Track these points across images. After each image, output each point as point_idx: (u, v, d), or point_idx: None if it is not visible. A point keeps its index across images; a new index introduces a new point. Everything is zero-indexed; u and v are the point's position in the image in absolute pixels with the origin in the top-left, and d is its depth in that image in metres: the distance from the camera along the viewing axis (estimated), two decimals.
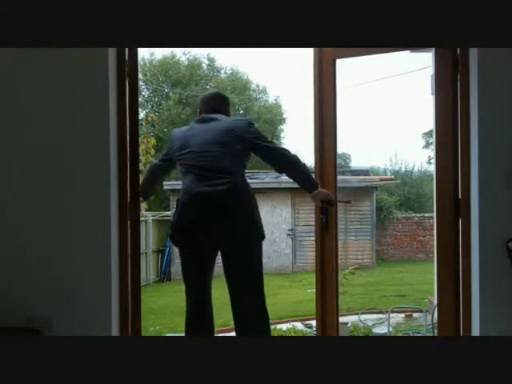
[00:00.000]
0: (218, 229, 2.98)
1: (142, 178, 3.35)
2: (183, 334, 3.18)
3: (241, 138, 3.08)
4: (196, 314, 3.08)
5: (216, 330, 7.27)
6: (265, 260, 3.23)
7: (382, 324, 7.06)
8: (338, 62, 3.32)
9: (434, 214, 3.48)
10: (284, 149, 3.15)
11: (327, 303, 3.37)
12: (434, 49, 3.21)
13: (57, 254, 2.97)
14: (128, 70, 3.10)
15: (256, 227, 3.04)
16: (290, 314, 7.99)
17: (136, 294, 3.14)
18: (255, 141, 3.10)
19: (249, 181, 3.19)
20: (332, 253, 3.35)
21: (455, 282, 3.06)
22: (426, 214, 13.73)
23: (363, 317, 7.35)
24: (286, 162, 3.09)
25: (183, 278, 3.14)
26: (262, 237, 3.08)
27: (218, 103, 3.31)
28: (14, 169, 2.98)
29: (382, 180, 14.30)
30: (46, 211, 2.97)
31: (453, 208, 3.06)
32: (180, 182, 3.27)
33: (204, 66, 19.37)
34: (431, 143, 14.18)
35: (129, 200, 3.11)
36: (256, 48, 3.22)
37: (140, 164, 3.63)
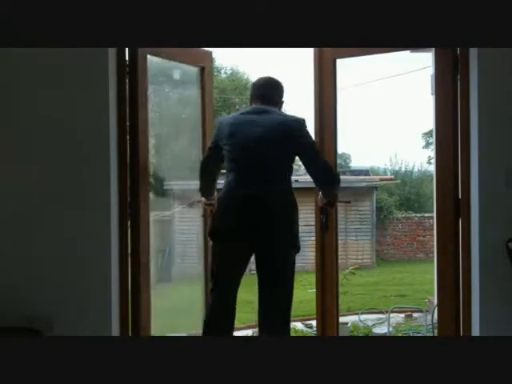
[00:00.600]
0: (257, 235, 2.85)
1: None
2: (183, 334, 3.18)
3: (290, 140, 2.88)
4: (218, 315, 2.97)
5: None
6: None
7: (382, 324, 7.06)
8: (339, 61, 3.32)
9: (434, 214, 3.48)
10: (330, 168, 2.97)
11: (327, 303, 3.36)
12: (433, 49, 3.21)
13: (57, 253, 2.97)
14: (128, 69, 3.10)
15: (294, 239, 2.92)
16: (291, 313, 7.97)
17: (137, 293, 3.14)
18: (305, 148, 2.89)
19: None
20: (332, 253, 3.35)
21: (455, 282, 3.06)
22: (426, 214, 13.70)
23: (363, 317, 7.35)
24: (326, 183, 2.96)
25: (211, 277, 3.02)
26: (298, 248, 2.95)
27: (270, 91, 3.05)
28: (13, 169, 2.98)
29: (381, 180, 14.27)
30: (46, 211, 2.97)
31: (453, 208, 3.06)
32: (179, 183, 3.25)
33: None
34: (431, 143, 14.16)
35: (129, 200, 3.11)
36: (256, 48, 3.20)
37: None
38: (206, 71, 3.65)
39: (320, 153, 2.96)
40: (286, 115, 3.05)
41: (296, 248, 2.93)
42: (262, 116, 2.93)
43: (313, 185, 3.00)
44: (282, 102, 3.12)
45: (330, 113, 3.32)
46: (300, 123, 2.94)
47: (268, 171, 2.88)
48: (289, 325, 2.98)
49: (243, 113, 3.07)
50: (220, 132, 2.99)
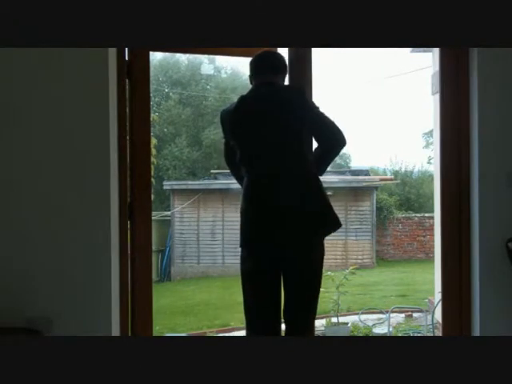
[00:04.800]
0: (281, 241, 2.61)
1: None
2: (183, 334, 3.17)
3: (297, 117, 2.62)
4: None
5: (216, 329, 7.25)
6: None
7: (382, 324, 7.08)
8: (339, 62, 3.32)
9: (435, 214, 3.47)
10: (339, 128, 2.69)
11: None
12: (433, 49, 3.21)
13: (57, 254, 2.97)
14: (127, 69, 3.10)
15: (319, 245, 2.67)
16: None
17: (138, 293, 3.14)
18: (308, 113, 2.64)
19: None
20: None
21: (459, 282, 3.05)
22: (426, 214, 13.73)
23: (363, 317, 7.36)
24: (336, 145, 2.70)
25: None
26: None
27: (269, 68, 2.78)
28: (12, 169, 2.98)
29: (382, 180, 14.29)
30: (46, 211, 2.97)
31: (457, 207, 3.05)
32: (178, 182, 3.23)
33: (204, 65, 19.35)
34: (431, 143, 14.18)
35: (129, 200, 3.11)
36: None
37: None
38: None
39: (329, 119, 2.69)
40: (286, 88, 2.83)
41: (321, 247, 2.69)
42: (262, 95, 2.70)
43: None
44: (286, 70, 2.86)
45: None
46: (298, 92, 2.74)
47: (284, 171, 2.62)
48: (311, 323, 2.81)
49: (242, 98, 2.79)
50: (223, 127, 2.80)
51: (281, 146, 2.63)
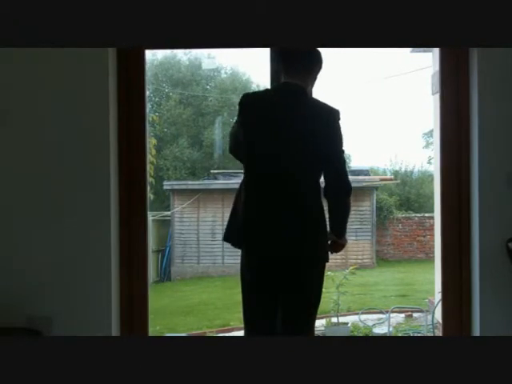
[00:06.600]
0: (280, 268, 2.51)
1: None
2: (183, 334, 3.17)
3: (321, 134, 2.47)
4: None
5: (216, 330, 7.25)
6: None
7: (382, 324, 7.08)
8: (339, 62, 3.32)
9: (435, 214, 3.47)
10: (349, 186, 2.55)
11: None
12: (433, 49, 3.21)
13: (57, 253, 2.97)
14: (128, 70, 3.10)
15: (321, 273, 2.59)
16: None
17: (136, 293, 3.14)
18: (332, 147, 2.49)
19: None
20: None
21: (459, 282, 3.06)
22: (427, 214, 13.72)
23: (363, 317, 7.37)
24: (341, 194, 2.57)
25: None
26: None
27: (303, 66, 2.54)
28: (13, 169, 2.98)
29: (382, 180, 14.29)
30: (46, 211, 2.97)
31: (457, 207, 3.05)
32: (178, 182, 3.23)
33: (206, 61, 19.31)
34: (431, 143, 14.18)
35: (128, 200, 3.11)
36: (256, 48, 3.19)
37: None
38: None
39: (344, 161, 2.58)
40: (320, 103, 2.57)
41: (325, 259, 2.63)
42: (292, 101, 2.49)
43: None
44: (321, 67, 2.63)
45: None
46: (333, 113, 2.53)
47: (294, 185, 2.48)
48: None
49: (269, 93, 2.65)
50: (244, 113, 2.52)
51: (293, 160, 2.49)
